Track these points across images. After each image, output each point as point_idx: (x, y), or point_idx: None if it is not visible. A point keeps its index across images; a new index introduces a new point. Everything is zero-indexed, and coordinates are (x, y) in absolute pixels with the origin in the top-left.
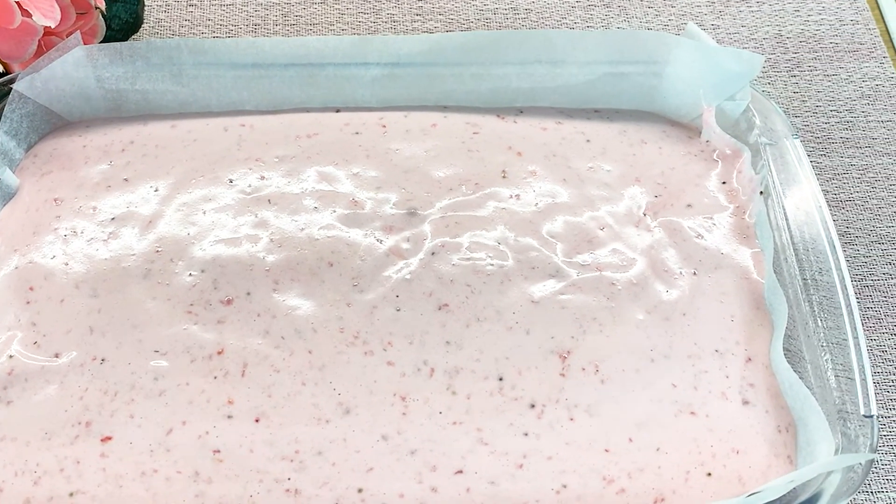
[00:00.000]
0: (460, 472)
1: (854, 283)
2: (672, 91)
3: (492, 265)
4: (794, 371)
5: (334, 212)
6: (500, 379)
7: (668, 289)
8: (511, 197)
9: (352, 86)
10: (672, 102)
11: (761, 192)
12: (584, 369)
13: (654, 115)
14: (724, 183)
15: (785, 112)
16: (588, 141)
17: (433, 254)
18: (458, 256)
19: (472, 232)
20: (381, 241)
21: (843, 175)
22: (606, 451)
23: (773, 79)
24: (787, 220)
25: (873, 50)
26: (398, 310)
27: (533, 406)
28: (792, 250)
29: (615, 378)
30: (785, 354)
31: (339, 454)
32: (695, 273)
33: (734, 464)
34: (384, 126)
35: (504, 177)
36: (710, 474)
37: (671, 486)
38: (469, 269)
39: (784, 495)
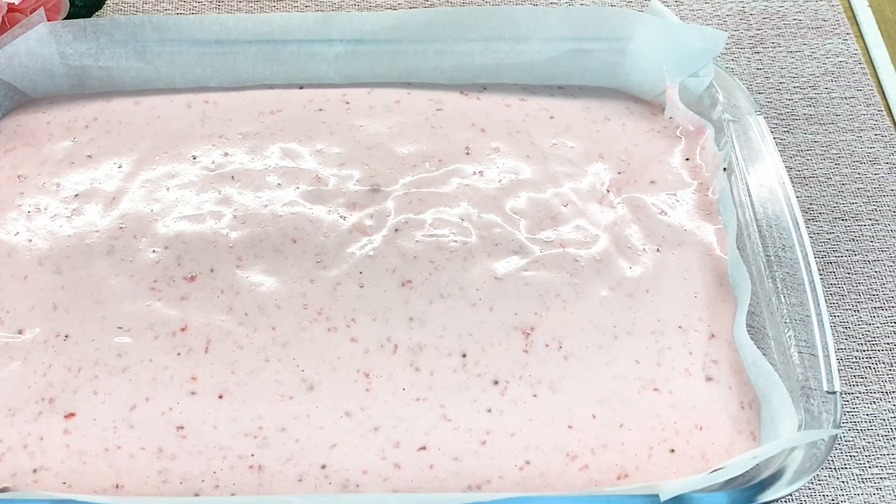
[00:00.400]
0: (423, 448)
1: (817, 259)
2: (635, 68)
3: (455, 242)
4: (758, 347)
5: (298, 188)
6: (464, 355)
7: (631, 265)
8: (475, 173)
9: (315, 62)
10: (635, 79)
11: (724, 169)
12: (547, 346)
13: (618, 92)
14: (687, 159)
15: (748, 89)
16: (551, 118)
17: (396, 230)
18: (422, 233)
19: (435, 208)
20: (345, 217)
21: (807, 151)
22: (570, 427)
23: (736, 55)
24: (750, 196)
25: (836, 27)
26: (361, 286)
27: (496, 382)
28: (755, 227)
29: (578, 354)
30: (748, 331)
31: (302, 430)
32: (658, 249)
33: (697, 440)
34: (348, 103)
35: (468, 153)
36: (673, 451)
37: (634, 462)
38: (432, 246)
39: (747, 471)
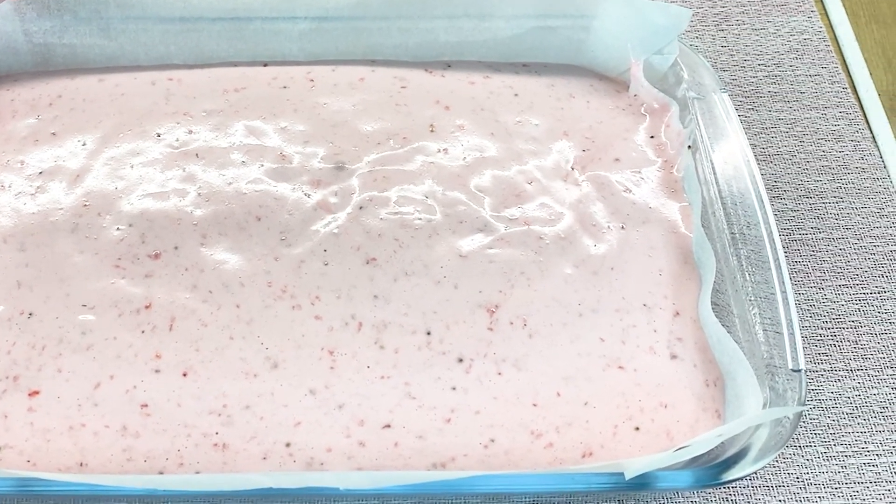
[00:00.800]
0: (388, 426)
1: (782, 237)
2: (600, 45)
3: (420, 219)
4: (723, 325)
5: (262, 166)
6: (428, 333)
7: (595, 243)
8: (439, 151)
9: (279, 40)
10: (600, 56)
11: (689, 147)
12: (511, 323)
13: (582, 70)
14: (652, 137)
15: (713, 66)
16: (516, 95)
17: (361, 208)
18: (386, 210)
19: (400, 186)
20: (309, 195)
21: (771, 129)
22: (534, 405)
23: (700, 33)
24: (715, 174)
25: (801, 4)
26: (326, 264)
27: (461, 360)
28: (720, 204)
29: (543, 332)
30: (713, 309)
31: (266, 408)
32: (623, 227)
33: (662, 418)
34: (312, 80)
35: (432, 131)
36: (638, 428)
37: (599, 440)
38: (397, 224)
39: (712, 449)
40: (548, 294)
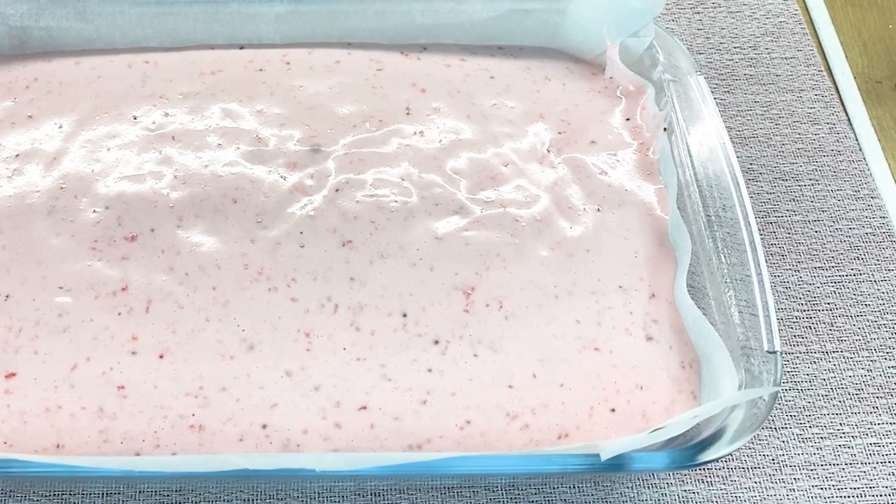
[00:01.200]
0: (364, 408)
1: (757, 219)
2: (576, 28)
3: (396, 202)
4: (698, 307)
5: (238, 148)
6: (404, 315)
7: (571, 225)
8: (415, 133)
9: (256, 22)
10: (576, 39)
11: (665, 129)
12: (487, 305)
13: (558, 52)
14: (627, 119)
15: (689, 49)
16: (492, 77)
17: (337, 190)
18: (362, 193)
19: (376, 168)
20: (285, 177)
21: (747, 112)
22: (510, 387)
23: (676, 15)
24: (690, 156)
25: None
26: (302, 246)
27: (437, 342)
28: (696, 186)
29: (519, 314)
30: (689, 291)
31: (242, 390)
32: (598, 209)
33: (638, 399)
34: (288, 63)
35: (408, 113)
36: (613, 410)
37: (575, 421)
38: (373, 206)
39: (688, 431)
40: (523, 276)
